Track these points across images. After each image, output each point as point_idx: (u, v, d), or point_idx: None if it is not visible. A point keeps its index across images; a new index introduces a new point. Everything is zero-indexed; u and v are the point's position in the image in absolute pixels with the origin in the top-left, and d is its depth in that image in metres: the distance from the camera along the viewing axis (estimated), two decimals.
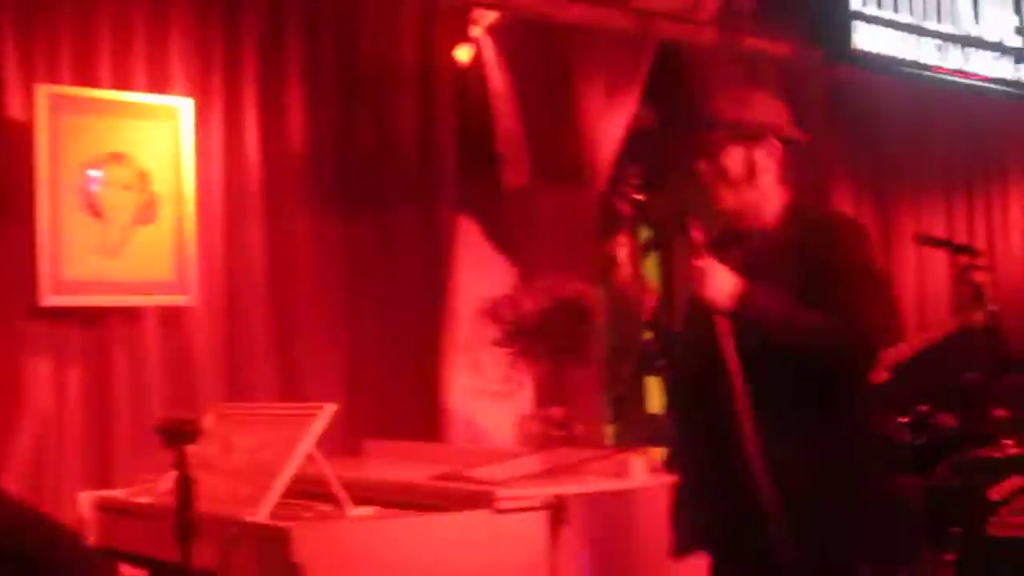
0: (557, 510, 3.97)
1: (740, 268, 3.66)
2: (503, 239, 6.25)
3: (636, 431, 7.52)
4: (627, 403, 7.85)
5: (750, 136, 3.74)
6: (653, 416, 8.08)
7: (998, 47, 7.30)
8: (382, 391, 6.18)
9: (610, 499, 4.25)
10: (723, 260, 3.66)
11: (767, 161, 3.75)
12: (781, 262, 3.68)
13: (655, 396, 8.41)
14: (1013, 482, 6.90)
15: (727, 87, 7.42)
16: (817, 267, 3.62)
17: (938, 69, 6.97)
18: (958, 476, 7.33)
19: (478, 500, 3.93)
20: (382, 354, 6.23)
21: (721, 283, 3.58)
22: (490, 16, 6.26)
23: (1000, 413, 7.43)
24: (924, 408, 6.83)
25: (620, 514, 4.27)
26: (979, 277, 6.45)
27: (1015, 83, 7.44)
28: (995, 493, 7.14)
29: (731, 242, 3.80)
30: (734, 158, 3.72)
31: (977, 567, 7.02)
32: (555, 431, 5.43)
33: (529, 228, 6.54)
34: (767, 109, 3.83)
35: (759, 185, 3.76)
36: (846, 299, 3.57)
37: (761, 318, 3.58)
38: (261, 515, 3.75)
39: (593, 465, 4.54)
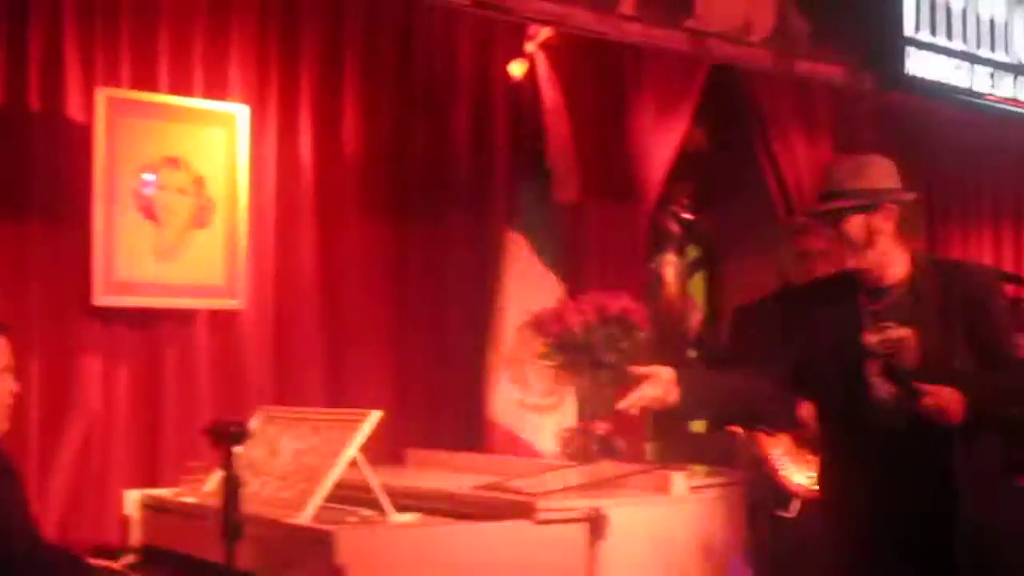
0: (597, 522, 4.00)
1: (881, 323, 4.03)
2: (552, 254, 6.27)
3: (678, 449, 7.53)
4: (669, 420, 7.84)
5: (869, 205, 4.02)
6: (695, 435, 8.08)
7: None
8: (427, 400, 6.21)
9: (650, 513, 4.28)
10: (868, 317, 4.05)
11: (885, 224, 4.05)
12: (929, 312, 4.02)
13: None
14: None
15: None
16: (975, 315, 4.01)
17: (990, 97, 6.95)
18: None
19: (519, 510, 3.97)
20: (429, 364, 6.26)
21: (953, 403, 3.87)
22: (545, 32, 6.29)
23: None
24: None
25: (660, 528, 4.29)
26: None
27: None
28: None
29: (869, 299, 4.10)
30: (855, 224, 4.02)
31: None
32: (597, 445, 5.45)
33: (578, 244, 6.56)
34: (882, 175, 4.12)
35: (878, 246, 4.04)
36: (1005, 340, 4.07)
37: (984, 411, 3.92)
38: (305, 518, 3.80)
39: (634, 479, 4.58)
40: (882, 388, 3.99)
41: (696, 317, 8.20)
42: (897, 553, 3.96)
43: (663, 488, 4.45)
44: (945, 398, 3.81)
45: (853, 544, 4.06)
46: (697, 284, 8.80)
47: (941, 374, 3.88)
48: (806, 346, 4.14)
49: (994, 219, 9.33)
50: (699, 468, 5.58)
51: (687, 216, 8.03)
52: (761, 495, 5.48)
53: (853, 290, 4.09)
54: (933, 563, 3.93)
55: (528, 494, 4.15)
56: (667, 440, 7.62)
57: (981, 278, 4.21)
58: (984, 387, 3.91)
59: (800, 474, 5.38)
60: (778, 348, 4.28)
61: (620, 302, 5.53)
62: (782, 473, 5.52)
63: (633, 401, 3.91)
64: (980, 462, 3.98)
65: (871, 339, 4.01)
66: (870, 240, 4.00)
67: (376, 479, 3.96)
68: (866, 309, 4.06)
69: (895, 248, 4.06)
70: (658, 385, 3.91)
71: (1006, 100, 7.18)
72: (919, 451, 3.92)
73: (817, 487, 4.45)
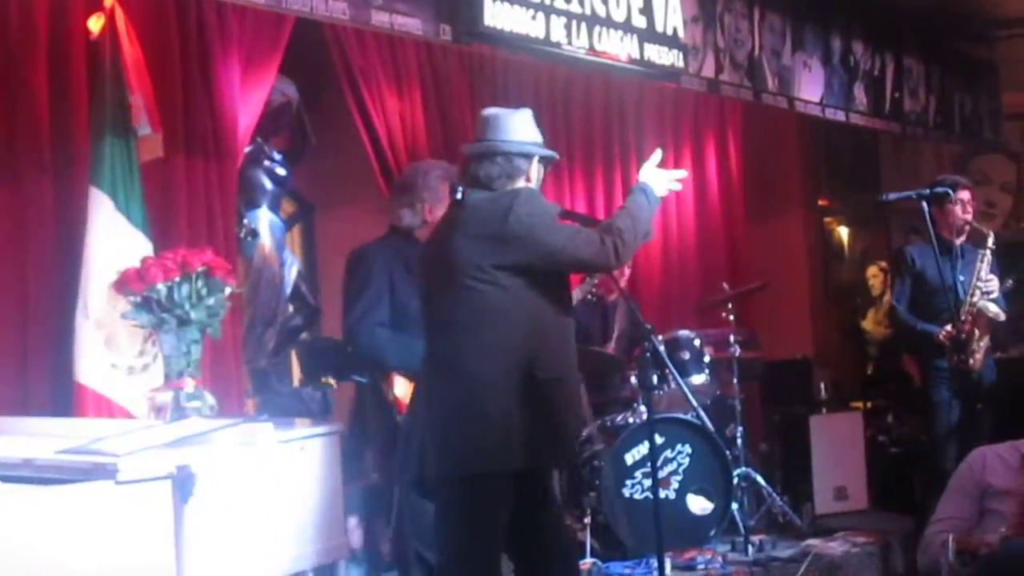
0: (182, 479, 4.01)
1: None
2: (139, 213, 6.16)
3: (280, 403, 7.56)
4: (270, 375, 7.88)
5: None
6: (296, 389, 8.14)
7: (625, 26, 7.54)
8: (14, 367, 6.04)
9: (237, 467, 4.31)
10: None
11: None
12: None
13: (298, 368, 8.47)
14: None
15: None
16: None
17: (568, 47, 7.18)
18: (600, 440, 7.68)
19: (100, 472, 3.94)
20: (13, 329, 6.08)
21: None
22: None
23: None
24: None
25: (249, 482, 4.34)
26: None
27: (641, 61, 7.72)
28: (630, 457, 7.52)
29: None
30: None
31: (612, 527, 7.38)
32: (185, 403, 5.42)
33: (165, 202, 6.48)
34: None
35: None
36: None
37: None
38: None
39: (221, 434, 4.59)
40: None
41: (294, 271, 8.24)
42: None
43: (250, 442, 4.49)
44: None
45: None
46: (295, 237, 8.86)
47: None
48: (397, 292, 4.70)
49: (586, 168, 9.72)
50: (299, 420, 5.65)
51: (280, 171, 8.05)
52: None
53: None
54: None
55: (109, 454, 4.11)
56: (268, 395, 7.66)
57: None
58: None
59: None
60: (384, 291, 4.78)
61: (203, 257, 5.51)
62: None
63: None
64: None
65: None
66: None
67: None
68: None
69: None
70: None
71: (587, 51, 7.40)
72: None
73: None
